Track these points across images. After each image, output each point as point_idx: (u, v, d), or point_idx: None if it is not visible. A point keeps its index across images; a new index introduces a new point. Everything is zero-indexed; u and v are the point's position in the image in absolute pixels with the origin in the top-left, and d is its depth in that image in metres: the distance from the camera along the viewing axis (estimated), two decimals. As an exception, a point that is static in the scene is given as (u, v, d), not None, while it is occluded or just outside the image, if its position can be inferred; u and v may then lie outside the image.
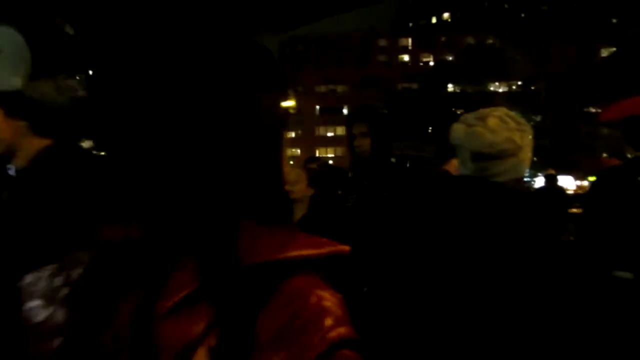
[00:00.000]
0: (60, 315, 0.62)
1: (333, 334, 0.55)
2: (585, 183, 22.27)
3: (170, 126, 0.60)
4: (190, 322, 0.55)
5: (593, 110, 28.00)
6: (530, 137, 1.62)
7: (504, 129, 1.55)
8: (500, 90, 25.55)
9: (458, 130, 1.62)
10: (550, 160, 19.37)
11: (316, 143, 45.71)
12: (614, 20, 20.59)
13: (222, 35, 0.63)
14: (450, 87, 26.37)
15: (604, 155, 12.23)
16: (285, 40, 46.58)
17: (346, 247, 0.61)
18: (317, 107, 47.40)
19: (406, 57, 51.95)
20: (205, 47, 0.62)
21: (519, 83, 23.86)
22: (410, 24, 62.97)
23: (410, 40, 52.58)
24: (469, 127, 1.58)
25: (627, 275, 1.77)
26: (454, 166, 5.40)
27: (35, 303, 0.63)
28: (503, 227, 1.44)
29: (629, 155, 2.38)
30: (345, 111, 41.69)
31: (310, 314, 0.56)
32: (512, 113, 1.63)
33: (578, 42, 20.24)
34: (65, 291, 0.62)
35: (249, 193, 0.62)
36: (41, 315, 0.62)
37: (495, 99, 21.56)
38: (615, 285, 1.76)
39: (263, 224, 0.61)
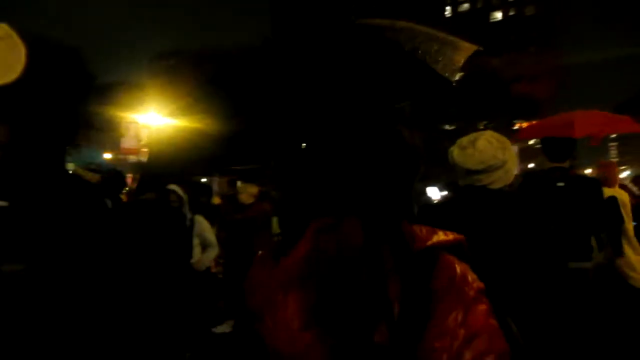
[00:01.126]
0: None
1: (477, 284, 0.94)
2: (445, 193, 24.60)
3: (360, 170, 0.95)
4: (393, 282, 0.92)
5: (448, 127, 31.18)
6: (512, 152, 1.95)
7: (490, 148, 1.87)
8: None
9: (455, 153, 1.95)
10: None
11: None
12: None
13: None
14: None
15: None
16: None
17: (462, 236, 1.01)
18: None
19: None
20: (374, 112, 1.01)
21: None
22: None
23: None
24: (462, 149, 1.90)
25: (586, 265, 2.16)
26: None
27: None
28: (508, 219, 1.76)
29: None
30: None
31: (461, 277, 0.94)
32: (497, 134, 1.96)
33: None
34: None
35: (405, 204, 0.99)
36: None
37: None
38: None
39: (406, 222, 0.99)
